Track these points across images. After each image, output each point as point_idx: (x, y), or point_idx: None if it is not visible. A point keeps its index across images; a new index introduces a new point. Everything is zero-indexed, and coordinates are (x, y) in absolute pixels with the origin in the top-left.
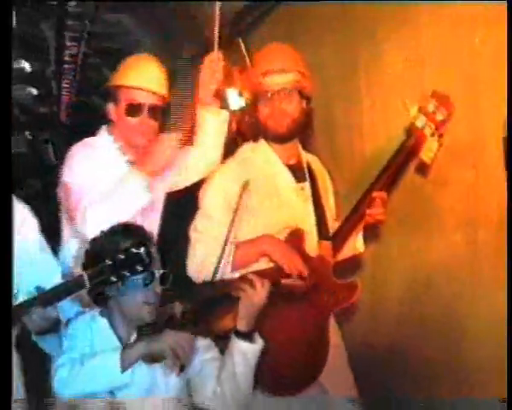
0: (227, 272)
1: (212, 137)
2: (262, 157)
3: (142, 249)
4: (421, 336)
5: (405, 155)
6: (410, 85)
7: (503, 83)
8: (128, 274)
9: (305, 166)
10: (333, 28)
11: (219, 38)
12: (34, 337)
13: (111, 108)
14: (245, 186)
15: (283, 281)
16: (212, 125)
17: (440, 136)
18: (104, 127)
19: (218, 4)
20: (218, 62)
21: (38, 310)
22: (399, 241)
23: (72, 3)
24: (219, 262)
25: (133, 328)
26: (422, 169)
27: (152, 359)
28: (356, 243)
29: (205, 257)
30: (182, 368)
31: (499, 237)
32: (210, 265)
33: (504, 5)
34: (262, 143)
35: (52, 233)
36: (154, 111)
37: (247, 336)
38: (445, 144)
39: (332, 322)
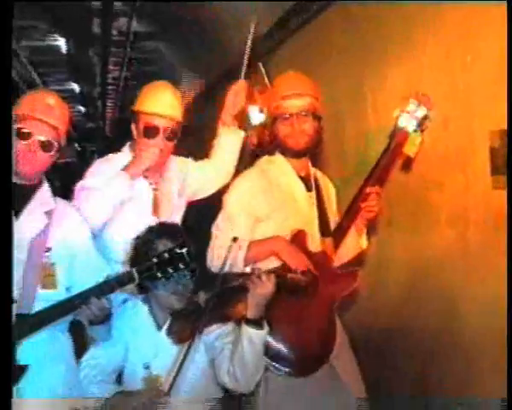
0: (240, 267)
1: (227, 153)
2: (278, 168)
3: (184, 250)
4: (418, 317)
5: (392, 153)
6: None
7: (490, 98)
8: (171, 271)
9: (312, 177)
10: (343, 55)
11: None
12: (87, 328)
13: (134, 128)
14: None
15: (289, 275)
16: (229, 143)
17: (422, 131)
18: (128, 144)
19: (249, 41)
20: (242, 91)
21: (94, 302)
22: (400, 236)
23: (115, 33)
24: (227, 256)
25: (167, 314)
26: (408, 164)
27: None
28: (360, 241)
29: (221, 252)
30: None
31: (486, 233)
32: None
33: (504, 5)
34: (278, 156)
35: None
36: (168, 133)
37: (255, 323)
38: (439, 152)
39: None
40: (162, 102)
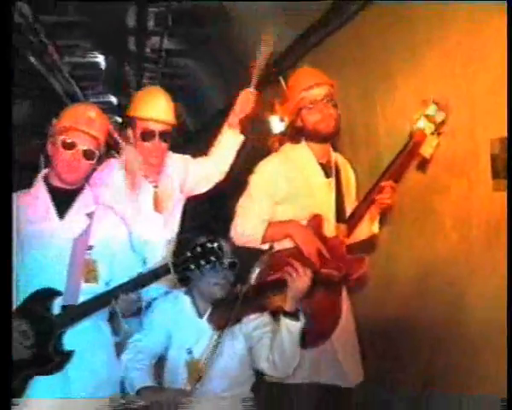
0: (257, 245)
1: (226, 152)
2: (300, 155)
3: (215, 244)
4: (425, 308)
5: (408, 152)
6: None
7: (491, 108)
8: (203, 263)
9: (332, 164)
10: (355, 67)
11: (264, 74)
12: (122, 320)
13: (130, 133)
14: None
15: (323, 270)
16: (229, 143)
17: (439, 134)
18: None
19: (260, 53)
20: (248, 99)
21: (128, 296)
22: (409, 237)
23: (149, 50)
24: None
25: (209, 304)
26: (423, 165)
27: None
28: (372, 227)
29: (244, 229)
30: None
31: (489, 232)
32: (247, 235)
33: (504, 5)
34: (301, 144)
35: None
36: (163, 136)
37: (293, 315)
38: (444, 159)
39: (344, 294)
40: (157, 108)
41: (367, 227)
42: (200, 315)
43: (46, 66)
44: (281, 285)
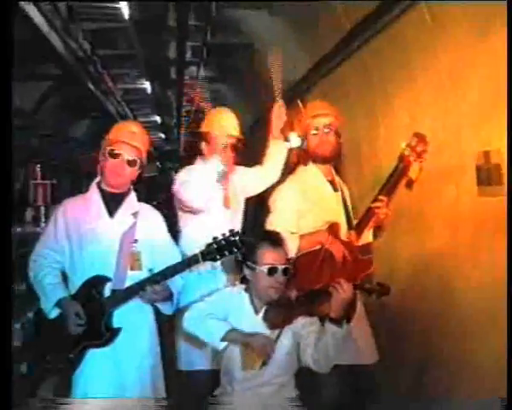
0: (293, 254)
1: (275, 160)
2: (311, 175)
3: (237, 237)
4: (421, 298)
5: (398, 173)
6: (410, 126)
7: (476, 125)
8: (227, 254)
9: (336, 181)
10: (360, 93)
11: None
12: (159, 304)
13: (204, 146)
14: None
15: (366, 286)
16: (276, 152)
17: (420, 162)
18: (199, 158)
19: (273, 68)
20: (281, 110)
21: (149, 288)
22: (405, 238)
23: (187, 78)
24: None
25: (263, 304)
26: (410, 184)
27: (245, 346)
28: (368, 236)
29: None
30: (263, 363)
31: (473, 235)
32: None
33: (504, 6)
34: (311, 165)
35: (173, 229)
36: (232, 147)
37: (337, 322)
38: (435, 169)
39: None
40: (225, 124)
41: (365, 236)
42: (256, 312)
43: (102, 91)
44: (328, 295)
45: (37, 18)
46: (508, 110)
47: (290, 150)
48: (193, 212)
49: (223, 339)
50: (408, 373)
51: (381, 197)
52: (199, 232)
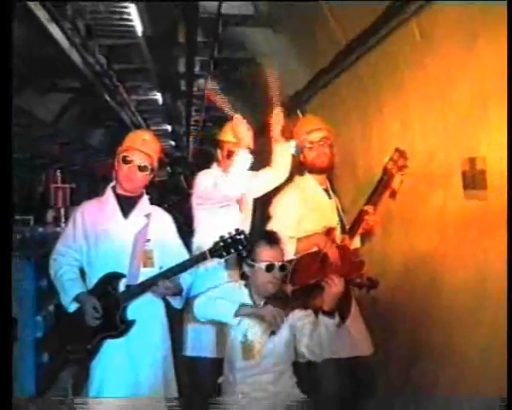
0: (291, 256)
1: (281, 161)
2: (308, 183)
3: (242, 236)
4: (411, 293)
5: (383, 184)
6: (400, 133)
7: (462, 135)
8: (233, 251)
9: (330, 189)
10: (353, 98)
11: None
12: (170, 298)
13: (219, 152)
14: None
15: (357, 280)
16: (281, 153)
17: (402, 174)
18: (214, 164)
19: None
20: (279, 114)
21: (161, 283)
22: (397, 238)
23: (196, 89)
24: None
25: (262, 298)
26: (393, 194)
27: (256, 319)
28: (357, 242)
29: None
30: (272, 332)
31: (460, 235)
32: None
33: (504, 6)
34: (307, 175)
35: (184, 230)
36: None
37: (330, 314)
38: (425, 175)
39: None
40: (243, 135)
41: (354, 241)
42: (256, 305)
43: (117, 102)
44: (321, 289)
45: (59, 35)
46: (508, 111)
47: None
48: (228, 204)
49: (236, 315)
50: (398, 365)
51: (368, 206)
52: (212, 231)
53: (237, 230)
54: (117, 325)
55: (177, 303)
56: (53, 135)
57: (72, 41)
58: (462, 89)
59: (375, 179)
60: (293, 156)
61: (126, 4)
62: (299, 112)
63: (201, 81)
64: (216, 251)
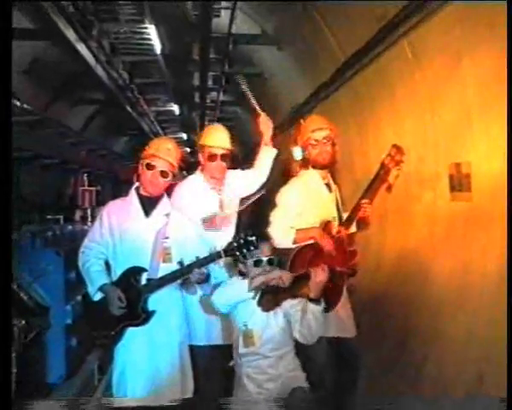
0: (290, 245)
1: (264, 164)
2: (311, 178)
3: (253, 237)
4: (403, 283)
5: (380, 178)
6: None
7: (450, 141)
8: (245, 251)
9: (331, 184)
10: (351, 110)
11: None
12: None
13: (201, 157)
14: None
15: (338, 269)
16: (265, 157)
17: (398, 169)
18: (198, 169)
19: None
20: (265, 119)
21: (196, 271)
22: (391, 232)
23: (209, 101)
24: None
25: (258, 290)
26: (389, 188)
27: (266, 286)
28: (353, 228)
29: (277, 235)
30: (265, 310)
31: (447, 230)
32: (281, 239)
33: (504, 5)
34: (311, 170)
35: None
36: (224, 158)
37: (316, 301)
38: (417, 177)
39: None
40: (218, 138)
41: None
42: (254, 297)
43: (138, 113)
44: (307, 278)
45: (86, 53)
46: (508, 111)
47: (295, 161)
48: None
49: (250, 289)
50: (390, 343)
51: (365, 199)
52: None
53: (251, 233)
54: (139, 314)
55: (205, 290)
56: (81, 142)
57: (98, 58)
58: (449, 102)
59: (370, 176)
60: (300, 160)
61: (146, 25)
62: (302, 121)
63: (214, 94)
64: (230, 251)
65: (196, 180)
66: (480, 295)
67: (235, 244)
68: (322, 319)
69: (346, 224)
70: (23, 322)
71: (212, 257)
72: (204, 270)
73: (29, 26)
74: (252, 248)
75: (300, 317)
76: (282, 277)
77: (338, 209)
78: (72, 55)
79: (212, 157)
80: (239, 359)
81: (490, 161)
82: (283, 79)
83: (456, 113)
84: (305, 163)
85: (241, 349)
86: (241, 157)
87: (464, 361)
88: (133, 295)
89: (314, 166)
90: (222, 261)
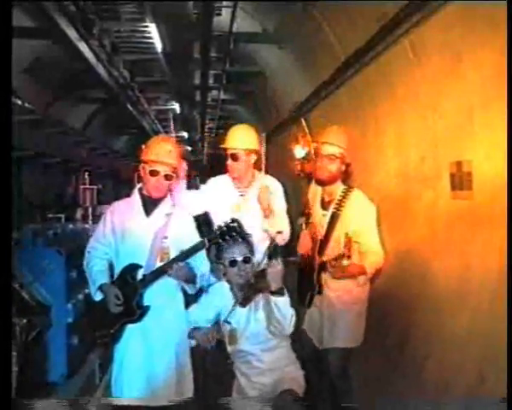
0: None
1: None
2: (312, 192)
3: (235, 223)
4: (403, 282)
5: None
6: (396, 140)
7: (450, 141)
8: (228, 238)
9: (334, 201)
10: (351, 109)
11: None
12: (184, 284)
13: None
14: None
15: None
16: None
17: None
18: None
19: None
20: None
21: (179, 265)
22: (392, 230)
23: (210, 100)
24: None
25: (238, 289)
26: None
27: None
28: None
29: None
30: (241, 304)
31: (447, 229)
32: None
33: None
34: (313, 184)
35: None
36: (234, 158)
37: (276, 293)
38: (417, 176)
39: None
40: (242, 139)
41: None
42: (236, 297)
43: (139, 112)
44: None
45: (87, 52)
46: (508, 111)
47: (296, 160)
48: None
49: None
50: (392, 341)
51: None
52: None
53: (232, 219)
54: (134, 310)
55: (190, 289)
56: (82, 141)
57: (99, 57)
58: (449, 100)
59: (372, 179)
60: (301, 160)
61: (147, 24)
62: (302, 120)
63: (215, 92)
64: (213, 239)
65: (221, 179)
66: (480, 294)
67: (218, 232)
68: (291, 310)
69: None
70: (24, 321)
71: (197, 247)
72: (181, 264)
73: (30, 24)
74: (234, 234)
75: (267, 311)
76: (210, 336)
77: (328, 230)
78: (74, 53)
79: (233, 157)
80: (231, 355)
81: (491, 159)
82: (284, 77)
83: (456, 111)
84: (308, 177)
85: (228, 348)
86: None
87: (465, 361)
88: (129, 292)
89: (315, 181)
90: (208, 266)
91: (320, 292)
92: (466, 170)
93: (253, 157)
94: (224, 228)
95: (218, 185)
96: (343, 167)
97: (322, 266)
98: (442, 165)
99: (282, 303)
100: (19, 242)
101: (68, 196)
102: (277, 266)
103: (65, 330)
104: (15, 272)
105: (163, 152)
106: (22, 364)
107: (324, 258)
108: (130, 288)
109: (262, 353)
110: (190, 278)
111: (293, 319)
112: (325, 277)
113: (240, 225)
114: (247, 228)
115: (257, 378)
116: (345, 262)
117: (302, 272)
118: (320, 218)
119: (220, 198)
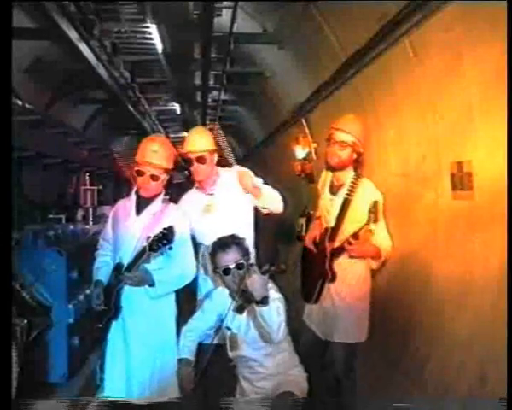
0: None
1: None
2: (323, 179)
3: (167, 231)
4: (404, 281)
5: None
6: (396, 140)
7: (450, 142)
8: (161, 245)
9: (345, 187)
10: (352, 109)
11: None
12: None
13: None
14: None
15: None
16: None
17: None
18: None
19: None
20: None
21: (128, 275)
22: (394, 231)
23: (210, 100)
24: None
25: (236, 294)
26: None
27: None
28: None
29: None
30: (239, 310)
31: (448, 230)
32: None
33: (504, 5)
34: (325, 171)
35: None
36: (200, 160)
37: (261, 303)
38: (419, 176)
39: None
40: (195, 144)
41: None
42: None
43: (139, 112)
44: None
45: (87, 52)
46: (508, 111)
47: (296, 160)
48: None
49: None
50: (395, 341)
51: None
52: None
53: (168, 227)
54: (111, 309)
55: (152, 293)
56: (82, 142)
57: (100, 57)
58: (450, 100)
59: (372, 180)
60: (302, 160)
61: (148, 25)
62: (303, 120)
63: (215, 93)
64: (150, 246)
65: (187, 193)
66: (482, 295)
67: (155, 239)
68: (278, 318)
69: (332, 233)
70: (25, 321)
71: (140, 253)
72: (131, 274)
73: (30, 25)
74: (165, 242)
75: (256, 321)
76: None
77: (340, 215)
78: (74, 54)
79: (188, 161)
80: (233, 360)
81: (492, 159)
82: (284, 77)
83: (457, 111)
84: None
85: (229, 353)
86: (243, 156)
87: (466, 361)
88: (111, 291)
89: (326, 168)
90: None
91: (333, 280)
92: (466, 170)
93: (216, 156)
94: (160, 235)
95: (187, 197)
96: (354, 155)
97: (335, 252)
98: (442, 165)
99: (266, 313)
100: (19, 242)
101: (69, 196)
102: (255, 276)
103: (65, 331)
104: (16, 273)
105: (148, 153)
106: (23, 364)
107: (337, 243)
108: (112, 287)
109: (264, 358)
110: (149, 283)
111: (282, 326)
112: (337, 262)
113: (172, 233)
114: (223, 224)
115: (260, 383)
116: (372, 226)
117: (310, 264)
118: (327, 202)
119: (191, 207)
